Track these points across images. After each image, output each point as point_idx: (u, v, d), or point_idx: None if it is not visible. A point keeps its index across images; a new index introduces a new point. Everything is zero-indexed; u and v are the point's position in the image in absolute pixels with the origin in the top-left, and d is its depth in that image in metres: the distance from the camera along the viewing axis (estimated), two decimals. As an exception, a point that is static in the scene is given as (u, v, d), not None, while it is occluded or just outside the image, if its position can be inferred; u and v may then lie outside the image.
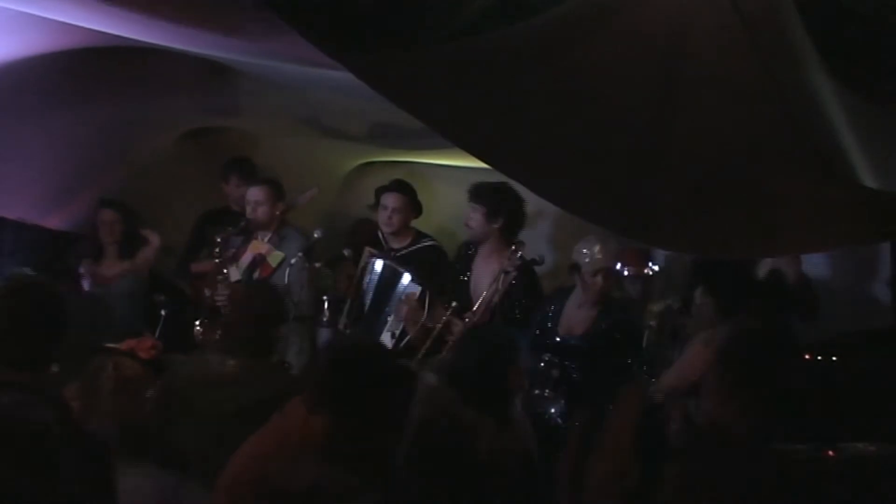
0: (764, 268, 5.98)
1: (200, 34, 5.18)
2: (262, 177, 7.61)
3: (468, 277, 7.01)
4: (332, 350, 4.36)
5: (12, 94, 5.91)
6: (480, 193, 6.88)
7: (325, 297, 7.13)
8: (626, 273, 6.98)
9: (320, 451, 3.62)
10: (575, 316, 6.42)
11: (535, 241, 7.87)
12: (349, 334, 6.79)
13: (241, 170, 7.96)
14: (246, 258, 7.33)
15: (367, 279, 7.31)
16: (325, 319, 7.04)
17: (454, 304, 6.64)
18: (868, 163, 4.08)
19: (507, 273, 6.53)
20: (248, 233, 7.36)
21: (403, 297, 6.97)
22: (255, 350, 4.90)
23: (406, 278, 7.04)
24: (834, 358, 5.92)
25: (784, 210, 4.25)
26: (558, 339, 6.38)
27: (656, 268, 7.19)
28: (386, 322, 7.04)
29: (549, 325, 6.46)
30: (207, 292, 7.35)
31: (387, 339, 6.88)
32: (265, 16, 3.81)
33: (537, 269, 7.03)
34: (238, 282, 7.20)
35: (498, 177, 6.25)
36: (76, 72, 6.08)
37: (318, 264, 7.23)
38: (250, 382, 4.64)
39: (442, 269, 7.26)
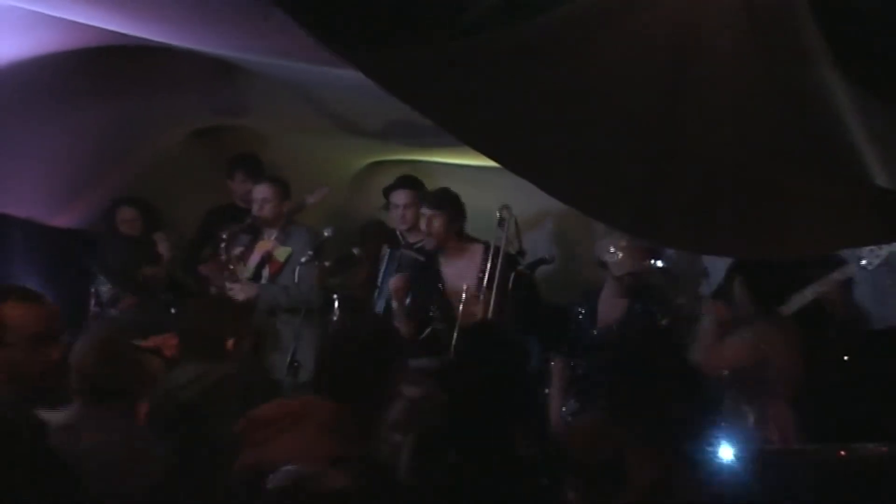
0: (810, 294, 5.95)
1: (209, 32, 5.18)
2: (269, 175, 7.62)
3: (442, 285, 7.00)
4: (331, 335, 4.42)
5: (21, 93, 5.91)
6: (442, 199, 6.92)
7: (335, 296, 7.13)
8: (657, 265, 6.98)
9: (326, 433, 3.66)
10: (609, 309, 6.49)
11: (540, 239, 7.89)
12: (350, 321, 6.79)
13: (246, 166, 7.97)
14: (254, 258, 7.35)
15: (384, 274, 7.34)
16: (335, 318, 7.03)
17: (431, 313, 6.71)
18: (880, 162, 4.05)
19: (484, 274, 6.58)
20: (255, 230, 7.37)
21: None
22: (208, 356, 4.94)
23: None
24: (846, 357, 5.92)
25: (795, 209, 4.23)
26: (594, 331, 6.45)
27: (661, 264, 7.20)
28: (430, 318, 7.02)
29: (585, 324, 6.52)
30: (213, 290, 7.38)
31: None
32: (274, 14, 3.80)
33: (546, 267, 7.04)
34: (249, 281, 7.26)
35: (498, 177, 6.29)
36: (84, 70, 6.08)
37: (327, 263, 7.24)
38: (193, 387, 4.71)
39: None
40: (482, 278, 6.68)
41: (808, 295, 5.80)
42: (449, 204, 6.92)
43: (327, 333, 5.10)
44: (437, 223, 6.85)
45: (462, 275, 6.81)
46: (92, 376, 4.12)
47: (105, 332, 4.72)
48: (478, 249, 6.85)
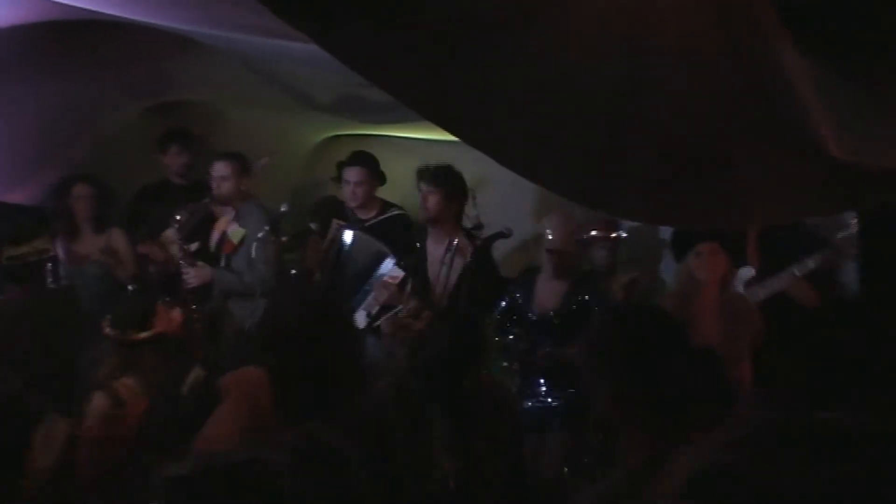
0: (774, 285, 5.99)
1: (165, 6, 5.13)
2: (227, 151, 7.57)
3: (425, 260, 7.02)
4: (269, 305, 4.41)
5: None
6: (439, 176, 6.90)
7: (292, 272, 7.12)
8: (593, 236, 6.99)
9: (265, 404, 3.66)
10: (546, 292, 6.46)
11: (499, 211, 7.89)
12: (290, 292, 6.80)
13: (180, 139, 7.91)
14: (214, 237, 7.32)
15: (336, 251, 7.32)
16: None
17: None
18: (836, 133, 4.07)
19: (453, 251, 6.58)
20: (208, 210, 7.33)
21: (385, 280, 6.97)
22: None
23: (389, 263, 7.06)
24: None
25: (752, 181, 4.25)
26: (532, 315, 6.41)
27: (624, 234, 7.22)
28: (363, 298, 7.04)
29: (521, 303, 6.48)
30: (152, 269, 7.35)
31: (361, 316, 6.90)
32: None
33: (505, 241, 7.05)
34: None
35: (456, 151, 6.28)
36: (40, 45, 6.02)
37: (284, 238, 7.22)
38: None
39: (412, 236, 7.29)
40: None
41: (772, 286, 5.86)
42: (446, 182, 6.89)
43: (266, 307, 5.06)
44: (433, 201, 6.84)
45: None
46: None
47: None
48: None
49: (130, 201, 8.01)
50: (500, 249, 7.39)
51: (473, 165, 7.08)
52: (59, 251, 7.27)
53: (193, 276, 7.08)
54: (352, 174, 7.52)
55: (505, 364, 6.27)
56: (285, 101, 8.03)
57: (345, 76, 6.00)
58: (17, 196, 7.31)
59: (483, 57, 3.87)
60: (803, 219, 5.81)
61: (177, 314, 5.07)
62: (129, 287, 7.14)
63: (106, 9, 5.27)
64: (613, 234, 7.14)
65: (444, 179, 6.84)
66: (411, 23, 3.82)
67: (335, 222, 7.47)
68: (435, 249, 6.89)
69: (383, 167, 7.82)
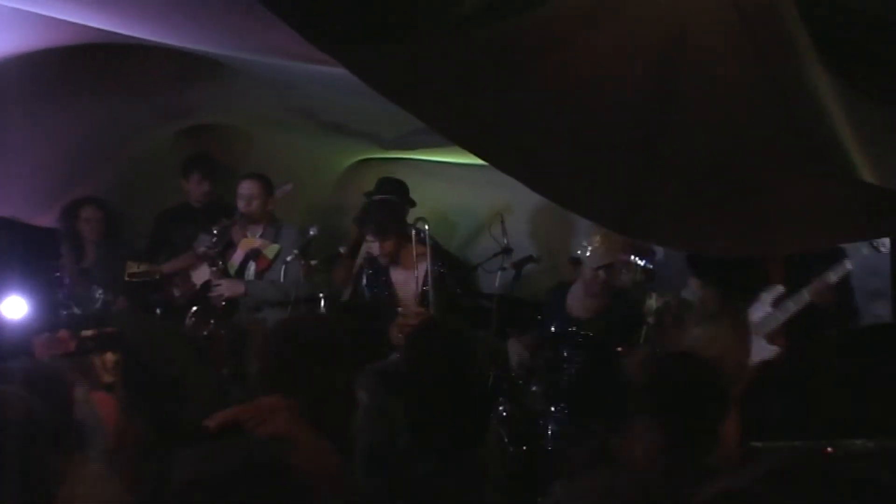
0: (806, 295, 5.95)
1: (193, 30, 5.15)
2: (253, 171, 7.60)
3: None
4: (272, 331, 4.34)
5: (2, 91, 5.88)
6: (381, 227, 7.06)
7: (321, 294, 7.12)
8: (635, 262, 6.99)
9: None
10: (580, 310, 6.50)
11: (526, 235, 7.90)
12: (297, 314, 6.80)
13: (202, 167, 7.95)
14: (238, 256, 7.32)
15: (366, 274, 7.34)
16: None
17: None
18: (868, 159, 4.05)
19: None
20: (237, 225, 7.35)
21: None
22: None
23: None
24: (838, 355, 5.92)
25: (782, 207, 4.23)
26: (562, 327, 6.47)
27: (652, 263, 7.21)
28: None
29: (553, 318, 6.54)
30: (177, 292, 7.37)
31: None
32: (257, 11, 3.78)
33: (534, 265, 7.06)
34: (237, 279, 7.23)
35: (485, 175, 6.28)
36: (68, 69, 6.06)
37: (313, 262, 7.24)
38: None
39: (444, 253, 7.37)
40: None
41: (805, 297, 5.81)
42: (389, 230, 6.96)
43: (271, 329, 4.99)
44: (386, 248, 6.92)
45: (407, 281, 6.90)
46: None
47: None
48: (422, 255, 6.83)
49: (153, 225, 8.06)
50: (526, 270, 7.38)
51: (502, 190, 7.09)
52: (63, 273, 7.30)
53: (226, 287, 7.11)
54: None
55: (534, 389, 6.25)
56: (314, 126, 8.06)
57: (373, 100, 6.02)
58: (48, 218, 7.36)
59: (513, 82, 3.87)
60: (833, 245, 5.76)
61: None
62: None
63: (136, 33, 5.31)
64: (643, 260, 7.13)
65: (385, 228, 6.96)
66: (441, 48, 3.83)
67: (366, 246, 7.52)
68: (400, 277, 7.00)
69: (412, 191, 7.85)
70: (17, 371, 3.88)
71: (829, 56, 3.95)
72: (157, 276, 7.35)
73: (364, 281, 7.30)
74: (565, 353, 6.22)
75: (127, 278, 7.17)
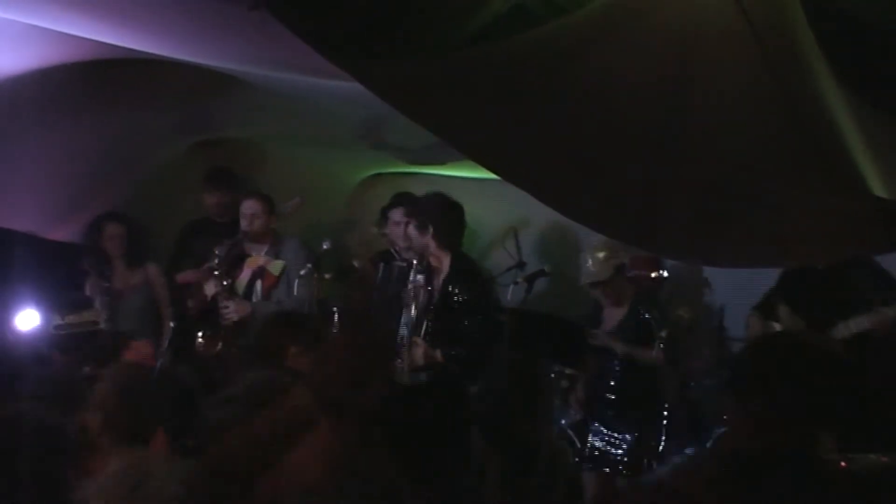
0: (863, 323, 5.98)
1: (208, 45, 5.18)
2: (254, 190, 7.59)
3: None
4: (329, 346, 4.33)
5: (21, 106, 5.91)
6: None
7: (334, 309, 7.12)
8: (638, 274, 7.06)
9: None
10: (611, 319, 6.79)
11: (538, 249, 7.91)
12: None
13: (221, 181, 7.94)
14: (244, 275, 7.30)
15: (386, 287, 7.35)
16: (335, 331, 7.02)
17: None
18: (878, 172, 4.06)
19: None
20: (241, 244, 7.33)
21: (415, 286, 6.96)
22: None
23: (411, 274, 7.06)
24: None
25: (793, 219, 4.24)
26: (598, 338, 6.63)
27: (665, 273, 7.23)
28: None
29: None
30: (190, 303, 7.36)
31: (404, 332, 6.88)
32: (272, 26, 3.81)
33: (545, 279, 7.07)
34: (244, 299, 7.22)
35: (498, 189, 6.30)
36: (84, 84, 6.08)
37: (327, 275, 7.23)
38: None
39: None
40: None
41: (861, 324, 5.86)
42: (435, 223, 6.89)
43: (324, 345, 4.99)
44: (422, 241, 6.87)
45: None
46: None
47: None
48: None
49: (177, 237, 8.06)
50: (541, 285, 7.39)
51: (514, 204, 7.09)
52: (92, 290, 7.27)
53: (233, 310, 7.07)
54: (397, 214, 7.58)
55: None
56: (328, 140, 8.07)
57: (386, 115, 6.04)
58: (64, 233, 7.38)
59: (525, 97, 3.89)
60: (844, 258, 5.76)
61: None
62: (171, 324, 7.16)
63: (153, 48, 5.34)
64: (655, 274, 7.15)
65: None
66: (454, 63, 3.85)
67: (380, 263, 7.53)
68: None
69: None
70: (32, 383, 3.89)
71: (838, 69, 3.97)
72: (98, 325, 6.92)
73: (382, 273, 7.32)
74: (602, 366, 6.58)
75: (54, 330, 6.63)
